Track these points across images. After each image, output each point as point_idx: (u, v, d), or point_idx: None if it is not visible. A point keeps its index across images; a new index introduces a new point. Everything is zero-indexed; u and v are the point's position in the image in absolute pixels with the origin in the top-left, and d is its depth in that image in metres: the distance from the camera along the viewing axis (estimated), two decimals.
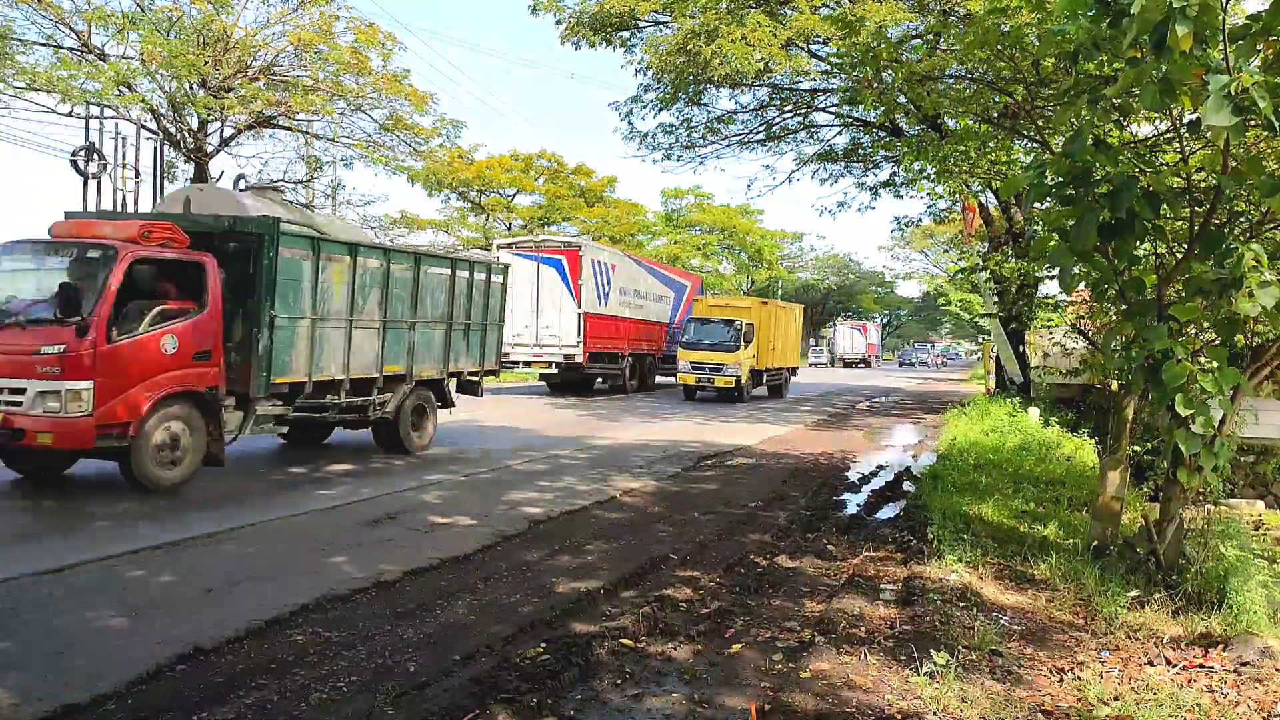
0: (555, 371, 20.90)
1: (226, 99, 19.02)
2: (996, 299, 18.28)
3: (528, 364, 20.97)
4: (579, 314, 20.18)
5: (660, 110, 19.39)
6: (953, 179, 12.34)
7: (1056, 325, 12.84)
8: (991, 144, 9.81)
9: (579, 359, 20.22)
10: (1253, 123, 3.70)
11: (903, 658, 3.97)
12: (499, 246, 21.97)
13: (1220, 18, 3.55)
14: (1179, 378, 4.18)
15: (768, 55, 14.32)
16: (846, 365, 60.17)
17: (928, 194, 19.38)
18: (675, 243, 41.41)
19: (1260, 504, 10.41)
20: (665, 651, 4.08)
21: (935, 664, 3.82)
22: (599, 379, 22.59)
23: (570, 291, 20.32)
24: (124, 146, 20.93)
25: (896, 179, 20.46)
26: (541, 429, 13.80)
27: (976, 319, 32.81)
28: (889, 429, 16.71)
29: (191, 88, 18.90)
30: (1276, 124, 3.44)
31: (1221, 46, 3.67)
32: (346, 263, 9.18)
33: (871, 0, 13.39)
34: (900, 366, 62.68)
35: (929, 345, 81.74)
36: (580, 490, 8.38)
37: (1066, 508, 7.69)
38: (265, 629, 4.20)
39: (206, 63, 18.28)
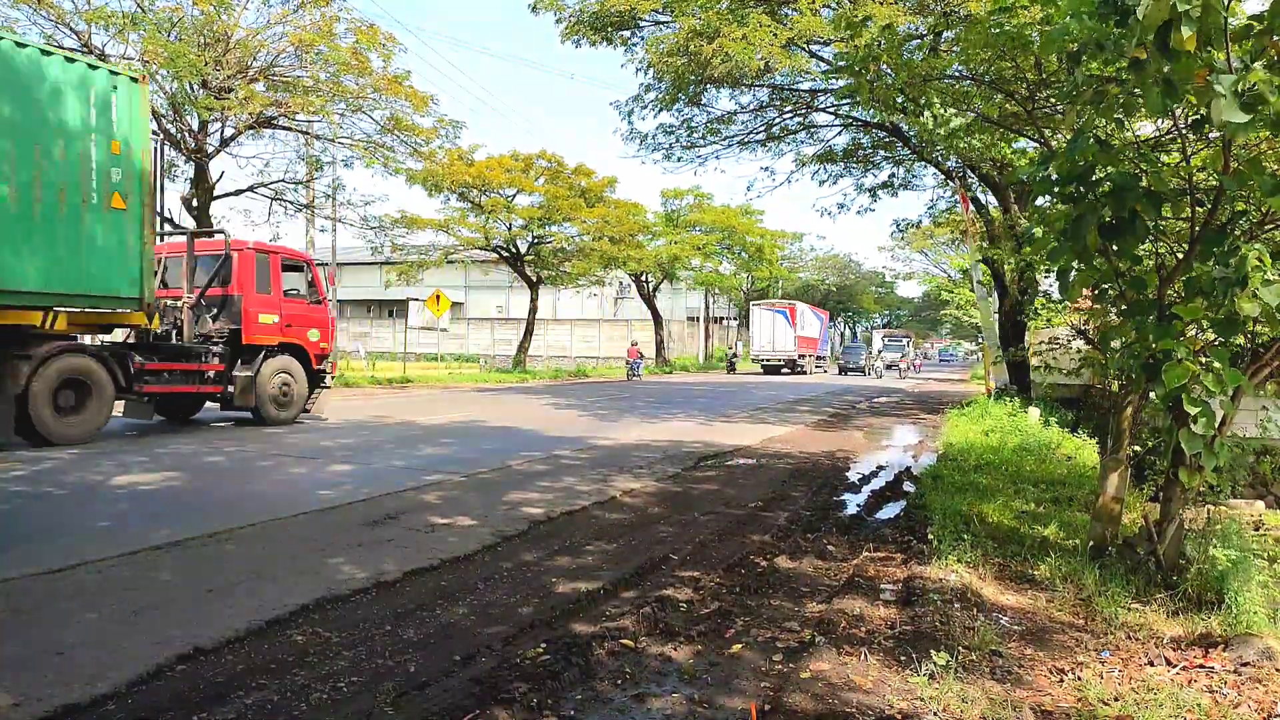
0: (782, 363, 43.06)
1: (227, 99, 19.03)
2: (996, 299, 18.30)
3: (769, 361, 43.26)
4: (794, 336, 43.12)
5: (660, 110, 19.41)
6: (959, 152, 12.26)
7: (1056, 325, 12.85)
8: (997, 135, 9.81)
9: (794, 358, 43.39)
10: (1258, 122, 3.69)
11: (903, 658, 3.96)
12: (754, 305, 46.06)
13: (1223, 18, 3.55)
14: (1180, 378, 4.18)
15: (768, 55, 14.32)
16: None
17: (927, 186, 19.42)
18: (675, 243, 41.38)
19: (1260, 504, 10.40)
20: (665, 652, 4.08)
21: (935, 664, 3.81)
22: (784, 368, 43.07)
23: (790, 325, 43.02)
24: None
25: (896, 180, 20.49)
26: (542, 429, 13.81)
27: (977, 324, 32.91)
28: (889, 429, 16.71)
29: (192, 88, 18.91)
30: None
31: (1225, 47, 3.67)
32: None
33: (873, 1, 13.40)
34: (843, 374, 43.82)
35: (901, 341, 58.29)
36: (581, 490, 8.38)
37: (1067, 508, 7.69)
38: (265, 629, 4.20)
39: (207, 63, 18.29)
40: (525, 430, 13.60)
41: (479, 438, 12.53)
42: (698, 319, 53.64)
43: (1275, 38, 3.65)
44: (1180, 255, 4.90)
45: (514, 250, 34.45)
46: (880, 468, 10.93)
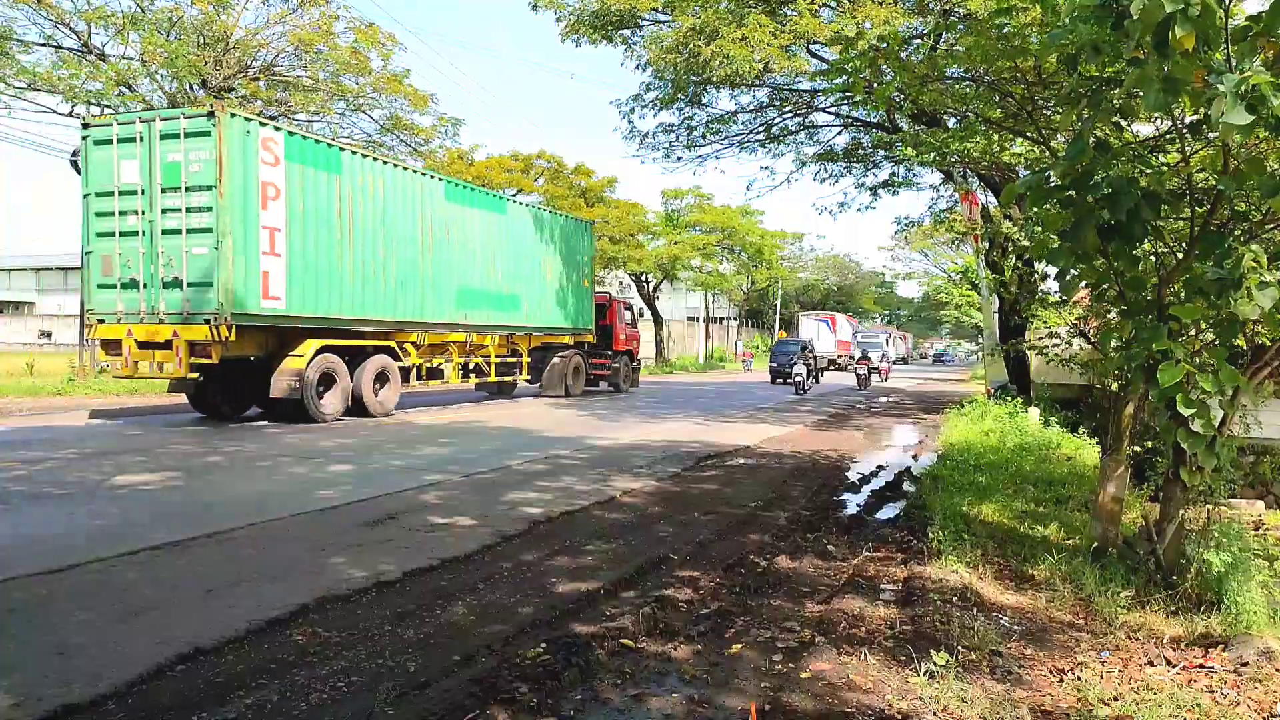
0: (826, 363, 44.51)
1: (227, 99, 19.03)
2: (996, 298, 18.28)
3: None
4: (835, 340, 49.16)
5: (660, 110, 19.41)
6: (955, 164, 12.31)
7: (1056, 325, 12.85)
8: (996, 137, 9.79)
9: (835, 358, 47.85)
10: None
11: (903, 658, 3.97)
12: (802, 314, 54.19)
13: (1221, 18, 3.55)
14: (1177, 377, 4.18)
15: (767, 56, 14.31)
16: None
17: (927, 185, 19.44)
18: (675, 243, 41.37)
19: (1260, 504, 10.39)
20: (665, 652, 4.08)
21: (935, 664, 3.82)
22: (830, 368, 45.86)
23: (831, 331, 49.30)
24: None
25: (896, 179, 20.48)
26: (542, 429, 13.81)
27: (977, 325, 32.92)
28: (889, 429, 16.71)
29: (192, 88, 18.91)
30: None
31: (1224, 47, 3.67)
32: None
33: (872, 2, 13.39)
34: (774, 382, 31.82)
35: (879, 339, 50.62)
36: (580, 490, 8.38)
37: (1067, 508, 7.69)
38: (265, 629, 4.20)
39: (207, 63, 18.30)
40: (525, 430, 13.60)
41: (478, 438, 12.53)
42: (698, 319, 53.67)
43: (1272, 39, 3.65)
44: (1180, 255, 4.90)
45: None
46: (880, 468, 10.93)
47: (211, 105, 11.92)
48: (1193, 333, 5.02)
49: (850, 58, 5.92)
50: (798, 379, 25.18)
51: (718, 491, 8.70)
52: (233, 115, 11.88)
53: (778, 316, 61.83)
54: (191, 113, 11.97)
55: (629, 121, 20.05)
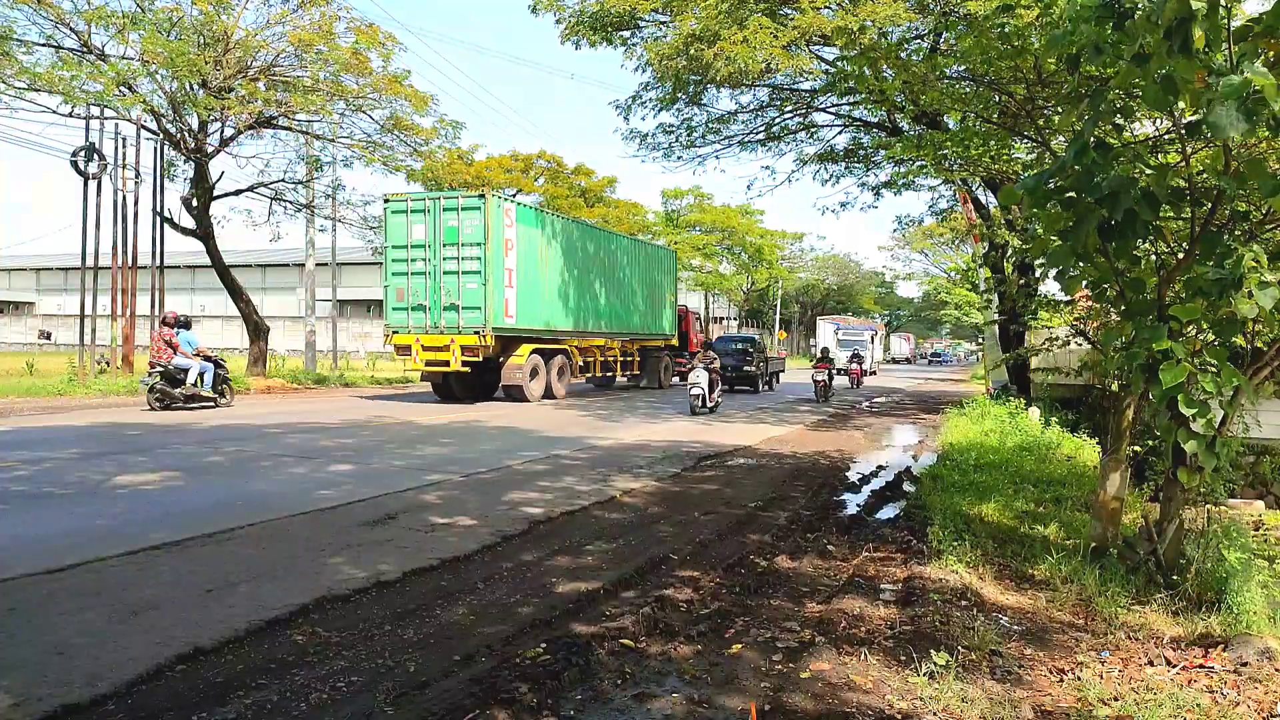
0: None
1: (227, 99, 19.04)
2: (996, 298, 18.29)
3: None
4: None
5: (660, 110, 19.41)
6: (951, 173, 12.34)
7: (1056, 325, 12.85)
8: (993, 141, 9.80)
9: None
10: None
11: (903, 658, 3.97)
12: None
13: (1225, 19, 3.55)
14: (1178, 378, 4.18)
15: (768, 56, 14.31)
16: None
17: (927, 187, 19.39)
18: (675, 243, 41.39)
19: (1260, 504, 10.40)
20: (665, 652, 4.08)
21: (935, 664, 3.82)
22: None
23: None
24: (124, 147, 20.99)
25: (897, 179, 20.48)
26: (542, 429, 13.81)
27: (977, 325, 32.94)
28: (889, 429, 16.71)
29: (192, 88, 18.91)
30: None
31: (1228, 48, 3.66)
32: None
33: (872, 1, 13.38)
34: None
35: (863, 336, 45.27)
36: (580, 490, 8.38)
37: (1067, 508, 7.69)
38: (265, 629, 4.20)
39: (207, 63, 18.29)
40: (525, 430, 13.60)
41: (479, 438, 12.53)
42: (698, 319, 53.73)
43: (1273, 39, 3.64)
44: (1180, 255, 4.90)
45: None
46: (880, 468, 10.93)
47: (482, 190, 18.79)
48: (1193, 333, 5.01)
49: (851, 57, 5.93)
50: (695, 395, 16.84)
51: (718, 491, 8.70)
52: (493, 196, 18.05)
53: (778, 316, 61.86)
54: (468, 195, 18.16)
55: (628, 122, 20.10)
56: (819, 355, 25.58)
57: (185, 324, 16.01)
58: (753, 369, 25.42)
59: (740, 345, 26.65)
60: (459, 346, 17.67)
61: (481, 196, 17.85)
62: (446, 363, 17.86)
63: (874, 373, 42.45)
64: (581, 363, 21.56)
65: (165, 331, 15.61)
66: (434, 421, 14.58)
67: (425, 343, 17.99)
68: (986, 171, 11.34)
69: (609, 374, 23.72)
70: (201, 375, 15.54)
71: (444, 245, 17.93)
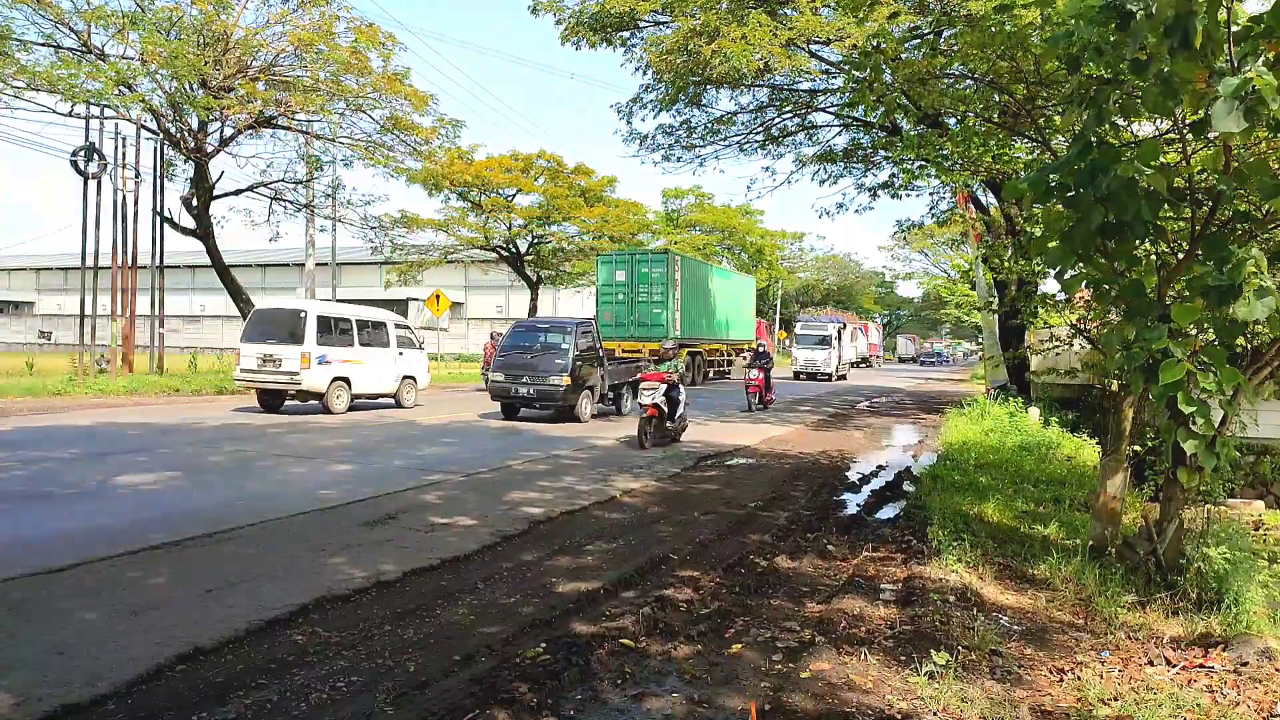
0: (860, 361, 52.61)
1: (227, 99, 19.02)
2: (996, 298, 18.28)
3: (852, 361, 48.72)
4: (867, 343, 57.75)
5: (660, 111, 19.40)
6: (951, 175, 12.33)
7: (1056, 325, 12.86)
8: (992, 141, 9.79)
9: (866, 357, 56.54)
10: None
11: (903, 658, 3.97)
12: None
13: (1225, 18, 3.55)
14: (1177, 377, 4.18)
15: (767, 55, 14.30)
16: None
17: (927, 189, 19.34)
18: (675, 243, 41.38)
19: (1260, 504, 10.39)
20: (665, 652, 4.08)
21: (935, 664, 3.82)
22: (861, 364, 53.23)
23: (864, 336, 55.60)
24: (124, 146, 20.99)
25: (895, 180, 20.46)
26: (542, 429, 13.81)
27: (977, 325, 32.97)
28: (889, 429, 16.71)
29: (191, 88, 18.89)
30: None
31: (1228, 48, 3.66)
32: None
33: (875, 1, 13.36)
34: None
35: (826, 329, 36.11)
36: (581, 490, 8.38)
37: (1067, 508, 7.69)
38: (265, 629, 4.20)
39: (207, 63, 18.27)
40: (525, 430, 13.59)
41: (479, 438, 12.53)
42: (770, 327, 53.84)
43: (1274, 39, 3.64)
44: (1180, 255, 4.90)
45: (514, 250, 34.46)
46: (880, 468, 10.93)
47: (666, 249, 29.65)
48: (1193, 332, 5.01)
49: (852, 58, 5.92)
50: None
51: (718, 491, 8.70)
52: (671, 253, 27.69)
53: (778, 316, 61.83)
54: (657, 252, 28.82)
55: (628, 123, 20.07)
56: (751, 356, 21.68)
57: None
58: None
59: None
60: (648, 349, 23.78)
61: (665, 253, 27.65)
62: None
63: (844, 376, 37.10)
64: (706, 360, 29.84)
65: None
66: (434, 421, 14.58)
67: (624, 348, 25.15)
68: (987, 172, 11.32)
69: (723, 370, 31.62)
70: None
71: (638, 285, 26.68)
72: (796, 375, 35.90)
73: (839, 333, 37.31)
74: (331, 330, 15.31)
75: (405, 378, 17.03)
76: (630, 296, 26.53)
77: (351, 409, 15.68)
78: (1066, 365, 13.86)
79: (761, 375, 19.16)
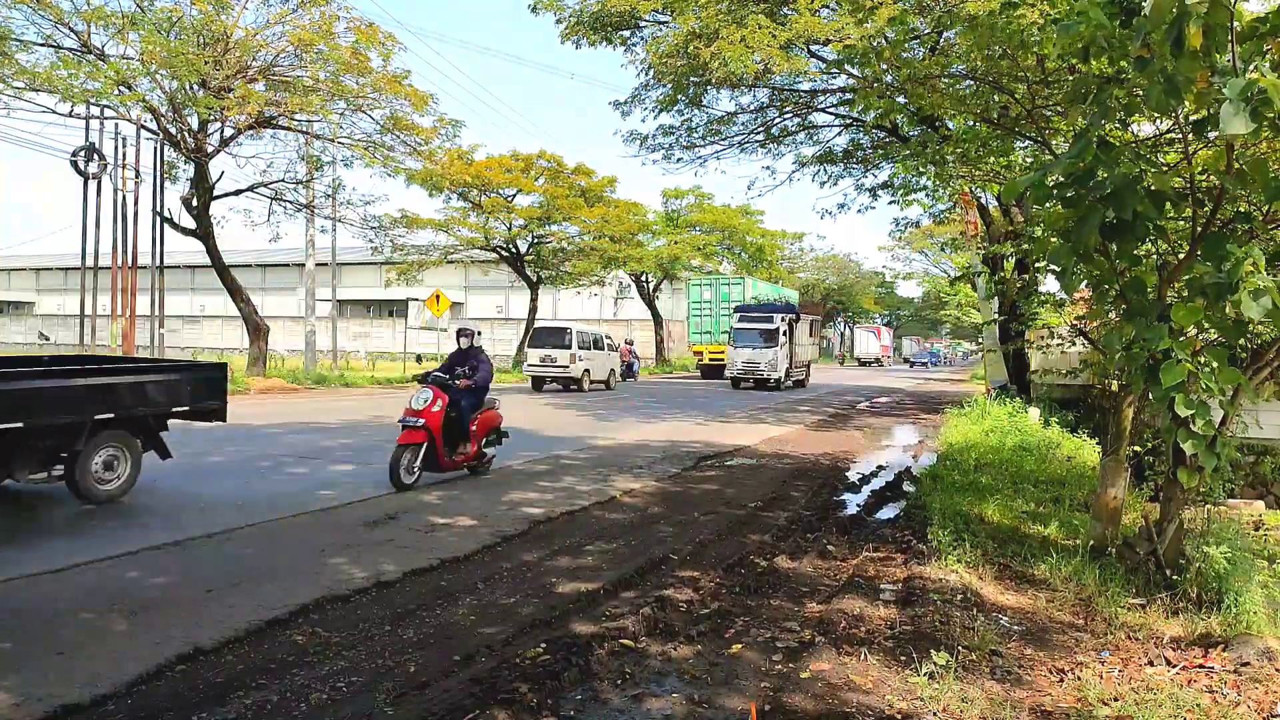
0: (873, 360, 70.03)
1: (227, 99, 19.00)
2: (996, 299, 18.28)
3: (864, 359, 71.06)
4: (879, 345, 73.73)
5: (661, 112, 19.38)
6: (951, 182, 12.35)
7: (1056, 325, 12.86)
8: (993, 143, 9.79)
9: (879, 357, 71.07)
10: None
11: (903, 658, 3.97)
12: (856, 327, 76.46)
13: (1228, 18, 3.54)
14: (1178, 377, 4.18)
15: (767, 57, 14.30)
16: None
17: (929, 195, 19.30)
18: (676, 243, 41.35)
19: (1260, 504, 10.39)
20: (665, 652, 4.08)
21: (935, 664, 3.82)
22: (873, 363, 68.39)
23: (877, 339, 74.59)
24: (124, 147, 21.00)
25: (895, 180, 20.47)
26: (542, 429, 13.81)
27: (977, 325, 32.99)
28: (889, 429, 16.71)
29: (191, 88, 18.88)
30: None
31: (1231, 48, 3.66)
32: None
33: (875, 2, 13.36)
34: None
35: (772, 323, 27.35)
36: (581, 490, 8.38)
37: (1067, 508, 7.69)
38: (265, 629, 4.20)
39: (207, 63, 18.26)
40: (525, 430, 13.59)
41: None
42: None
43: (1278, 40, 3.64)
44: (1181, 255, 4.90)
45: (514, 250, 34.44)
46: (880, 468, 10.93)
47: (742, 275, 41.73)
48: (1194, 332, 5.01)
49: (853, 58, 5.92)
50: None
51: (718, 491, 8.70)
52: (747, 277, 40.13)
53: None
54: (735, 276, 40.79)
55: (627, 118, 20.08)
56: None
57: None
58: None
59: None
60: (720, 351, 30.72)
61: (741, 278, 37.91)
62: (722, 362, 31.47)
63: (802, 382, 29.41)
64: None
65: None
66: None
67: (711, 349, 34.69)
68: (987, 175, 11.33)
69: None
70: None
71: (721, 301, 36.22)
72: (735, 383, 27.47)
73: (789, 325, 28.09)
74: (582, 341, 24.15)
75: (611, 370, 26.12)
76: (715, 310, 36.93)
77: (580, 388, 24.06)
78: (1067, 365, 13.87)
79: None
